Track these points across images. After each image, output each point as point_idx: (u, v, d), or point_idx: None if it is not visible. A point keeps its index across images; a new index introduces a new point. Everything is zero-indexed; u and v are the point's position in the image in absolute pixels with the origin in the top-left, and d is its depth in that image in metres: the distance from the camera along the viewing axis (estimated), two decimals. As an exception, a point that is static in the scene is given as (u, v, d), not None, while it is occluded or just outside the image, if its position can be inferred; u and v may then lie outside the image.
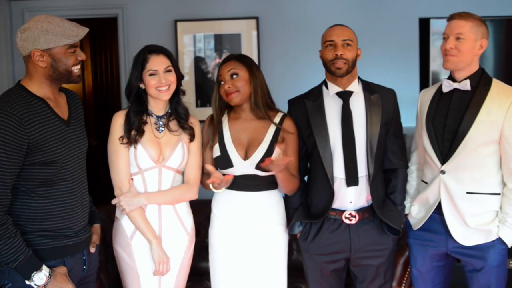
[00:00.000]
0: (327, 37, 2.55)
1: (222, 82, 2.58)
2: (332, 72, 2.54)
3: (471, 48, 2.42)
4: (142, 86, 2.53)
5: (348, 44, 2.51)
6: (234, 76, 2.56)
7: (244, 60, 2.61)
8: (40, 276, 2.08)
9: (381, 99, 2.58)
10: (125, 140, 2.49)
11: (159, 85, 2.48)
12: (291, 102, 2.72)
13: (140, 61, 2.50)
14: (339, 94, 2.57)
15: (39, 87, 2.15)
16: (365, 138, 2.54)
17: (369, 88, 2.62)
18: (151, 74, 2.49)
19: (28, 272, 2.06)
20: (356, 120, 2.55)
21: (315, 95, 2.63)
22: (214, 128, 2.62)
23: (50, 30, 2.09)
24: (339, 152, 2.54)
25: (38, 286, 2.07)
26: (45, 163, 2.09)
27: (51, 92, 2.18)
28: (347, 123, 2.54)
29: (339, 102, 2.57)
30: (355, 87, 2.59)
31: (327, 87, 2.62)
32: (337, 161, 2.54)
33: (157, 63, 2.49)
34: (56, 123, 2.14)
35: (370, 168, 2.54)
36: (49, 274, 2.09)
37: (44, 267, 2.09)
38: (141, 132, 2.50)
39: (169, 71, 2.51)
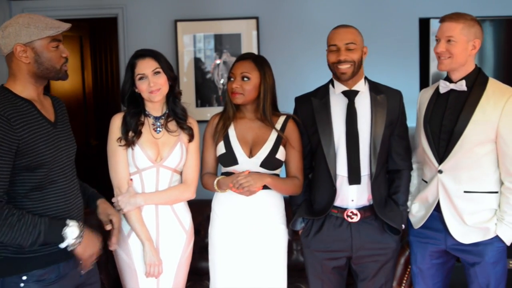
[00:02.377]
0: (331, 41, 2.55)
1: (232, 79, 2.59)
2: (337, 76, 2.55)
3: (463, 49, 2.43)
4: (137, 90, 2.55)
5: (351, 48, 2.51)
6: (245, 79, 2.57)
7: (260, 64, 2.61)
8: (72, 230, 2.05)
9: (387, 100, 2.59)
10: (123, 142, 2.52)
11: (149, 88, 2.49)
12: (297, 99, 2.74)
13: (129, 67, 2.54)
14: (344, 93, 2.58)
15: (24, 88, 2.09)
16: (369, 138, 2.55)
17: (375, 88, 2.63)
18: (140, 78, 2.51)
19: (58, 234, 2.03)
20: (360, 119, 2.56)
21: (322, 93, 2.65)
22: (223, 123, 2.62)
23: (31, 23, 2.05)
24: (342, 150, 2.55)
25: (74, 239, 2.05)
26: (34, 166, 2.03)
27: (36, 93, 2.13)
28: (352, 121, 2.55)
29: (344, 100, 2.59)
30: (361, 86, 2.59)
31: (333, 86, 2.63)
32: (340, 159, 2.55)
33: (144, 66, 2.51)
34: (43, 125, 2.10)
35: (372, 168, 2.54)
36: (79, 224, 2.08)
37: (68, 221, 2.07)
38: (138, 134, 2.52)
39: (158, 73, 2.52)
